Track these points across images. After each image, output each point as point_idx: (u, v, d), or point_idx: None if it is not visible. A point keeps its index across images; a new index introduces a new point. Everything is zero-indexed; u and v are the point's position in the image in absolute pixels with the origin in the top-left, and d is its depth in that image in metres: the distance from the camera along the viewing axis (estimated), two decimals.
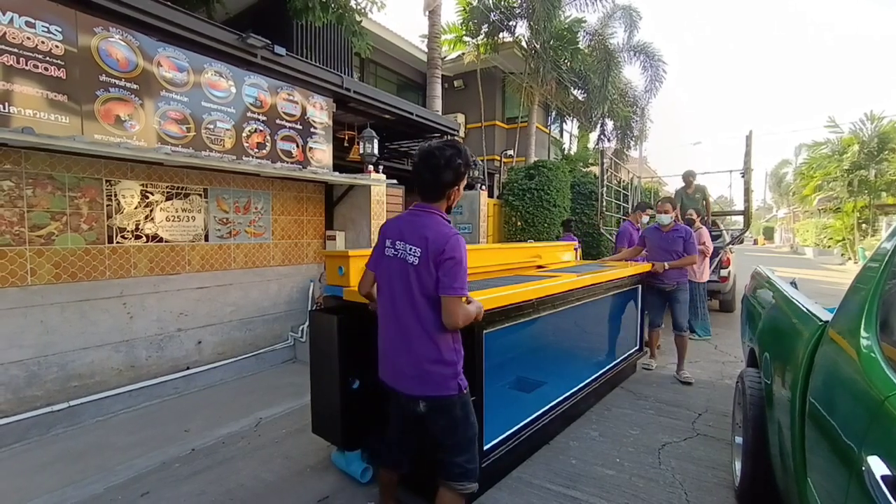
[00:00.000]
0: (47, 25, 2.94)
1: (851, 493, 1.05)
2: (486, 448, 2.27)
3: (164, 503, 2.30)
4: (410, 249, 1.65)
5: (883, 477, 0.90)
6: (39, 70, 2.91)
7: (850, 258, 17.86)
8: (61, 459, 2.74)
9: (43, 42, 2.92)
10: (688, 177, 6.69)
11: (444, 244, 1.60)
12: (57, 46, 2.98)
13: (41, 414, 3.04)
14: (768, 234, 47.67)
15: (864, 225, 17.73)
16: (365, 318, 2.42)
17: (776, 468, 1.79)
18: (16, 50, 2.81)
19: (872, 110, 15.82)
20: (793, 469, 1.50)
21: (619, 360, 3.86)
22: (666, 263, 4.02)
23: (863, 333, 1.29)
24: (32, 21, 2.87)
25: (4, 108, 2.77)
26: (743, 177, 6.78)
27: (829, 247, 21.43)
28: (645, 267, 4.08)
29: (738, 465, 2.28)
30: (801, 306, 1.98)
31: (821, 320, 1.65)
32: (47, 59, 2.94)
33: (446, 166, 1.67)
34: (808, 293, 2.34)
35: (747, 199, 6.75)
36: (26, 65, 2.85)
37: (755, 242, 42.80)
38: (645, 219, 6.02)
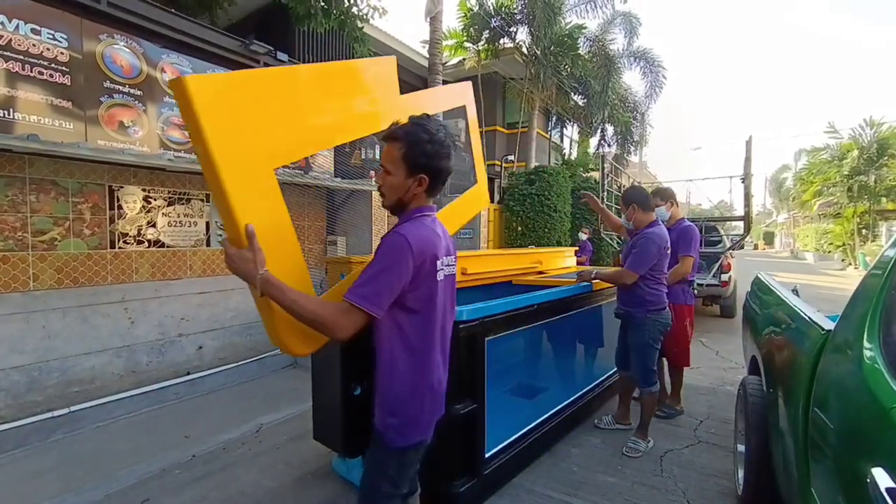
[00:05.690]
0: (53, 32, 2.96)
1: None
2: (487, 456, 2.27)
3: None
4: (454, 261, 1.42)
5: (888, 489, 0.89)
6: (44, 76, 2.93)
7: (850, 263, 17.86)
8: (61, 465, 2.73)
9: (48, 49, 2.94)
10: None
11: None
12: (62, 53, 3.01)
13: (42, 419, 3.03)
14: (769, 238, 47.68)
15: (864, 230, 17.77)
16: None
17: (779, 477, 1.78)
18: (21, 57, 2.83)
19: (872, 116, 15.89)
20: (796, 479, 1.49)
21: None
22: (594, 270, 2.81)
23: (866, 343, 1.28)
24: (38, 28, 2.90)
25: (9, 115, 2.79)
26: (743, 182, 6.79)
27: (829, 252, 21.45)
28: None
29: (740, 474, 2.27)
30: (803, 315, 1.97)
31: (823, 329, 1.65)
32: (52, 65, 2.96)
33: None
34: (810, 299, 2.34)
35: (747, 204, 6.77)
36: (31, 71, 2.87)
37: (755, 247, 42.78)
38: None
